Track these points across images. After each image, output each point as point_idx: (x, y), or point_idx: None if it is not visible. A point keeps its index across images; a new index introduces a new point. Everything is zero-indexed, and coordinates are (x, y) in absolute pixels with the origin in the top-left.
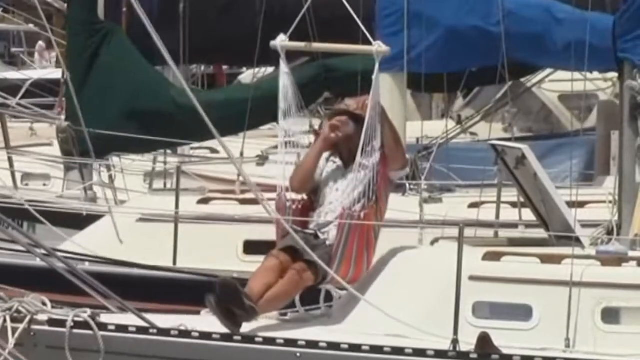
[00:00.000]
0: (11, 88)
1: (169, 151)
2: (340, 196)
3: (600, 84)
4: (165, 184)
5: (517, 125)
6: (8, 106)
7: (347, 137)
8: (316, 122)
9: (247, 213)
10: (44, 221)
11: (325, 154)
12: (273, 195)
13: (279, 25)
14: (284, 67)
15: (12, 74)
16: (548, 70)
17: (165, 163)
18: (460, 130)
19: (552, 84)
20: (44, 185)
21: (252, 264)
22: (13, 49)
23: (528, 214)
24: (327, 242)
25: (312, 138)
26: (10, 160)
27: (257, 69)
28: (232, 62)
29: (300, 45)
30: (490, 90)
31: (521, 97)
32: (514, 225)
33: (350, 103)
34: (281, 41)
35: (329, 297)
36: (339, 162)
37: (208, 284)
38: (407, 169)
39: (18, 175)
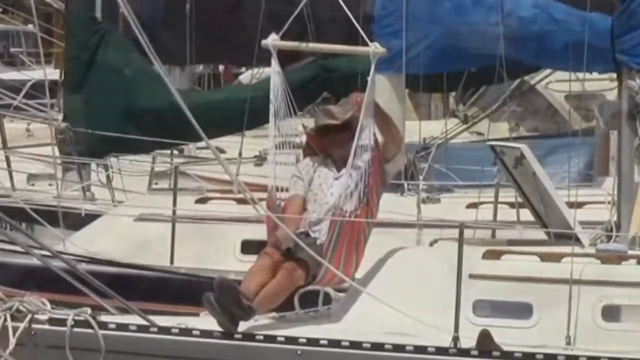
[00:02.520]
0: (9, 89)
1: (174, 151)
2: (334, 199)
3: (606, 84)
4: (170, 184)
5: (523, 124)
6: (9, 105)
7: (338, 144)
8: (307, 122)
9: (245, 213)
10: (42, 222)
11: (316, 163)
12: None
13: (281, 25)
14: (275, 65)
15: (12, 75)
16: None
17: (171, 163)
18: (463, 129)
19: (559, 84)
20: (50, 185)
21: (250, 264)
22: (12, 49)
23: (526, 215)
24: (318, 242)
25: (303, 138)
26: (7, 160)
27: (256, 69)
28: (233, 62)
29: (293, 44)
30: (496, 89)
31: (527, 96)
32: (512, 226)
33: (338, 111)
34: (273, 40)
35: (327, 299)
36: (332, 166)
37: (205, 285)
38: (402, 161)
39: (23, 176)
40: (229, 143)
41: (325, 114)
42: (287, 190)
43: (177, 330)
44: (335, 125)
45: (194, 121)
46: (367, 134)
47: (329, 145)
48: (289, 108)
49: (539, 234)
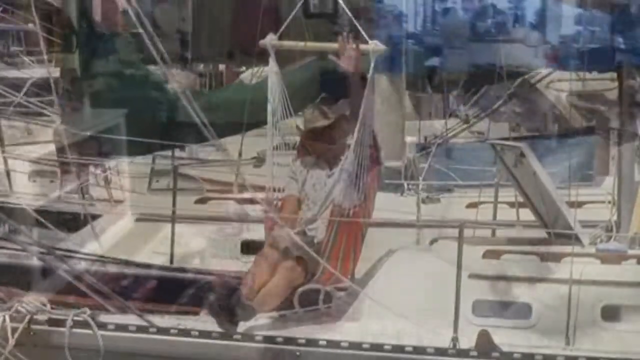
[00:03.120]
0: (9, 87)
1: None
2: (329, 198)
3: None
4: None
5: (523, 124)
6: (10, 103)
7: (329, 143)
8: (300, 122)
9: (245, 213)
10: (45, 223)
11: (308, 164)
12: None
13: (281, 25)
14: (273, 65)
15: (13, 73)
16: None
17: (172, 164)
18: (463, 129)
19: (560, 84)
20: (51, 182)
21: (250, 264)
22: (12, 48)
23: (525, 214)
24: (315, 240)
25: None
26: (5, 160)
27: (256, 69)
28: (233, 62)
29: (291, 44)
30: (496, 89)
31: (528, 96)
32: (512, 225)
33: (331, 110)
34: (271, 39)
35: (327, 298)
36: (324, 166)
37: (206, 284)
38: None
39: (24, 175)
40: (230, 144)
41: (319, 112)
42: (283, 190)
43: (176, 331)
44: (325, 125)
45: (205, 122)
46: (367, 131)
47: (321, 145)
48: (286, 108)
49: (539, 233)
